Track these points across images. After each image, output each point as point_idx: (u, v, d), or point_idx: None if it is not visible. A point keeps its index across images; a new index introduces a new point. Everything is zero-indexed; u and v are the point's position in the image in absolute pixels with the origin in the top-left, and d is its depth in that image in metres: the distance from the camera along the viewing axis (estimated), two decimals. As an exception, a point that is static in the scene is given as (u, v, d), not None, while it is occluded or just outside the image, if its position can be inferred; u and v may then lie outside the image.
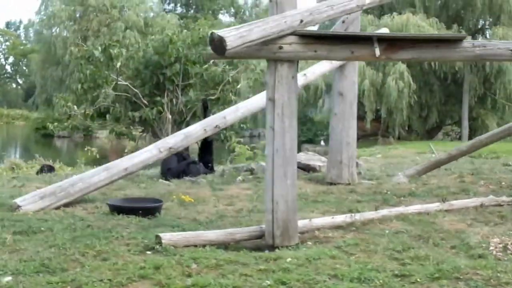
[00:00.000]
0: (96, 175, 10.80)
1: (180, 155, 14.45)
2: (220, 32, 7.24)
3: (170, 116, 15.17)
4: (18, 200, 9.92)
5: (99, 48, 16.37)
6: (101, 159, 22.42)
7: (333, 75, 13.92)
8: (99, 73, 16.15)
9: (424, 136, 46.82)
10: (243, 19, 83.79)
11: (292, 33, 7.77)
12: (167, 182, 13.27)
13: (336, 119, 13.22)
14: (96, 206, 10.36)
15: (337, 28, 12.54)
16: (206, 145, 15.31)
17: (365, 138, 45.42)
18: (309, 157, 15.58)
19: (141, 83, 15.93)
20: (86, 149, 22.51)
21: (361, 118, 45.52)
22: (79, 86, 16.45)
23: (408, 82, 43.23)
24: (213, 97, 15.63)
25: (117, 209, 9.63)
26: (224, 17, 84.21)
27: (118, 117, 15.81)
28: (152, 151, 11.50)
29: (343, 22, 12.56)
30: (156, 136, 16.15)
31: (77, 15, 66.28)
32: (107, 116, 16.23)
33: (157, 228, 8.57)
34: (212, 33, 7.28)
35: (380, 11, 49.54)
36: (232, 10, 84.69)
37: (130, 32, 63.46)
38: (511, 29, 45.47)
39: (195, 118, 15.86)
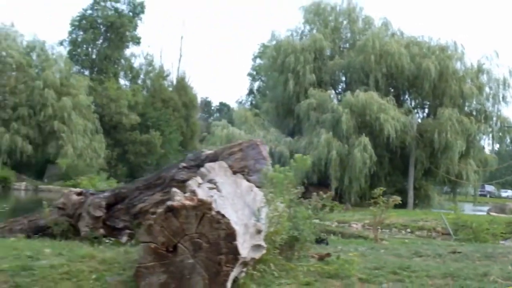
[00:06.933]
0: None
1: None
2: None
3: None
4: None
5: None
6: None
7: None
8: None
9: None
10: (137, 83, 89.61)
11: None
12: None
13: None
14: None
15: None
16: None
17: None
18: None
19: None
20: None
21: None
22: None
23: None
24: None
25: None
26: (123, 81, 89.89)
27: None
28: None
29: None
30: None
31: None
32: None
33: None
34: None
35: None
36: (130, 74, 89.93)
37: (48, 91, 67.38)
38: (455, 110, 52.83)
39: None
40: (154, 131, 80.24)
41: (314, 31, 59.68)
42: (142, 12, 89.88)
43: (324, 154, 49.46)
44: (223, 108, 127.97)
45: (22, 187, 65.15)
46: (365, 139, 49.87)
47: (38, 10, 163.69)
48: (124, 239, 12.53)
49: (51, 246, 10.82)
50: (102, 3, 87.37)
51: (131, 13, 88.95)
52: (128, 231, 12.73)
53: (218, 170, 10.84)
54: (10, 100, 68.60)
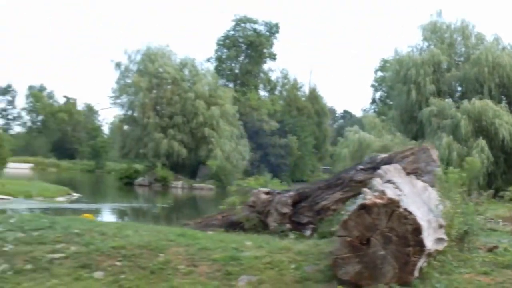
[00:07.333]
0: None
1: None
2: None
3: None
4: None
5: None
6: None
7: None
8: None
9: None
10: (274, 94, 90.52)
11: None
12: None
13: None
14: None
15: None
16: None
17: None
18: None
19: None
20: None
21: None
22: None
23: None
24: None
25: None
26: (262, 92, 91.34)
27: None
28: None
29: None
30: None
31: (154, 85, 70.49)
32: None
33: None
34: None
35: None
36: (268, 86, 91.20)
37: (199, 101, 68.59)
38: None
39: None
40: (291, 136, 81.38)
41: (432, 47, 58.75)
42: (277, 32, 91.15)
43: (446, 156, 48.41)
44: (346, 115, 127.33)
45: (178, 185, 66.52)
46: (482, 142, 48.75)
47: (188, 32, 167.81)
48: (307, 233, 12.59)
49: (249, 239, 10.96)
50: (243, 25, 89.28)
51: (268, 33, 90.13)
52: (311, 225, 12.76)
53: (393, 172, 10.73)
54: (167, 110, 70.26)
